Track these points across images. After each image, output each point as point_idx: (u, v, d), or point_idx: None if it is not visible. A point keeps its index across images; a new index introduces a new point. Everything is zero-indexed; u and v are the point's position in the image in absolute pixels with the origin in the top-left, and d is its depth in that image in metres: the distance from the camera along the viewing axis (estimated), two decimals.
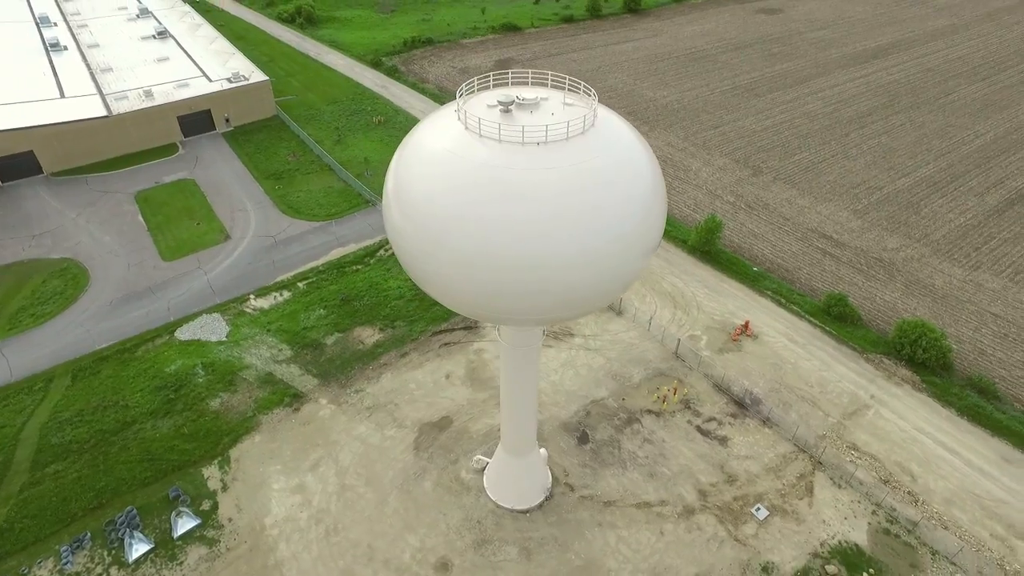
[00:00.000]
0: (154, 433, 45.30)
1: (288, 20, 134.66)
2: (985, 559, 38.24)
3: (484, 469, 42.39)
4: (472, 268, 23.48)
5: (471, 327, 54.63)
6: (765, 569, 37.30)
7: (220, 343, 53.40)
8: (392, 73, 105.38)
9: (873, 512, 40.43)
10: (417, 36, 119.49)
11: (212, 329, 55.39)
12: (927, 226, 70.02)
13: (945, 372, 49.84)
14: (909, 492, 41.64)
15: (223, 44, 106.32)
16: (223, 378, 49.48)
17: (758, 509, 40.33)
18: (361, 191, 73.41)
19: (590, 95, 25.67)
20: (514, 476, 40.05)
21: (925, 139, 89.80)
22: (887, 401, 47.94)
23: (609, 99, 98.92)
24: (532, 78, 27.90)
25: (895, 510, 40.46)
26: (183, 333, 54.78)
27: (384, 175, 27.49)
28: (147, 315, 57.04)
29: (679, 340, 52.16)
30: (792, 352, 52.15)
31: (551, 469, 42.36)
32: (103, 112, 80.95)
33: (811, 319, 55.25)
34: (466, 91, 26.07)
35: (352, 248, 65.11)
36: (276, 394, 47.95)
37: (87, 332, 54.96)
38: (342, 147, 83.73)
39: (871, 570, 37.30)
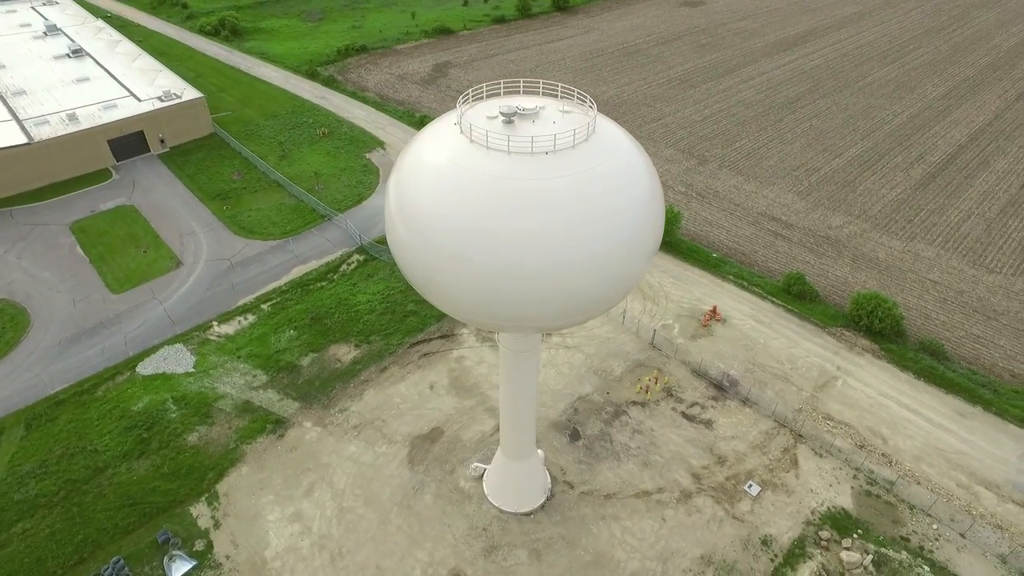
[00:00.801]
0: (131, 476, 43.14)
1: (212, 33, 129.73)
2: (955, 507, 41.17)
3: (482, 476, 42.45)
4: (489, 280, 23.57)
5: (448, 335, 54.47)
6: (765, 542, 38.96)
7: (188, 375, 51.27)
8: (330, 83, 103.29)
9: (854, 476, 42.85)
10: (351, 44, 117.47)
11: (177, 361, 53.12)
12: (864, 203, 74.32)
13: (899, 339, 53.20)
14: (883, 454, 44.33)
15: (147, 61, 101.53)
16: (198, 411, 47.57)
17: (750, 486, 42.03)
18: (315, 206, 71.78)
19: (585, 101, 26.15)
20: (515, 480, 40.29)
21: (851, 120, 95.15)
22: (852, 371, 50.79)
23: None
24: (523, 87, 28.12)
25: (873, 472, 43.01)
26: (145, 367, 52.32)
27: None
28: (103, 352, 54.14)
29: (654, 330, 53.60)
30: (760, 332, 54.46)
31: (548, 469, 42.80)
32: (22, 139, 76.04)
33: (773, 299, 57.82)
34: (463, 102, 26.10)
35: (314, 265, 63.65)
36: (257, 422, 46.48)
37: (36, 376, 51.71)
38: (288, 162, 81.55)
39: (859, 531, 39.55)
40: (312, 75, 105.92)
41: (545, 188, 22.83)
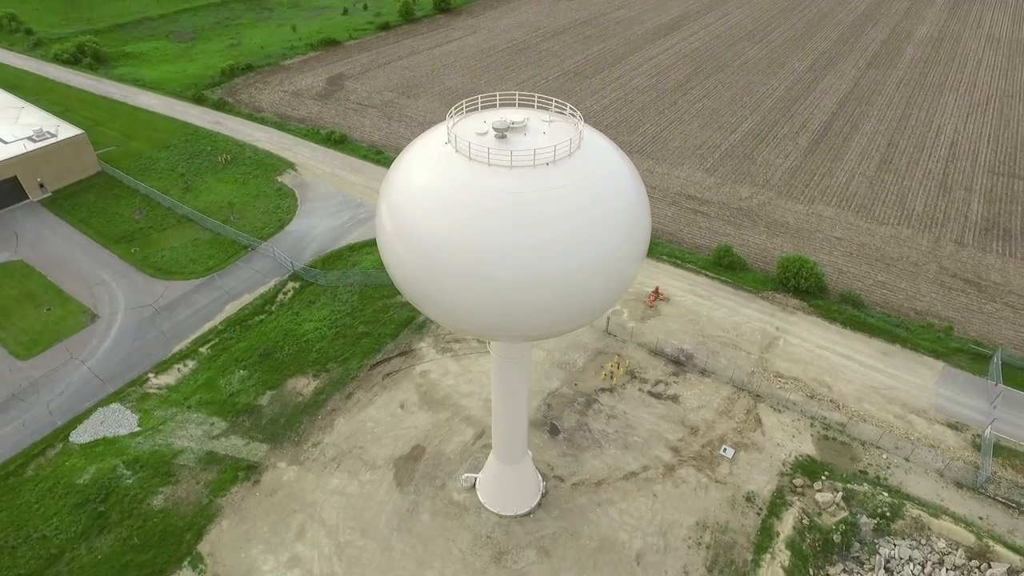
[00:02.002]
0: (95, 556, 39.65)
1: (71, 61, 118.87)
2: (896, 436, 46.11)
3: (474, 485, 42.62)
4: (493, 294, 23.89)
5: (406, 352, 53.86)
6: (748, 499, 41.89)
7: (134, 435, 47.61)
8: (221, 106, 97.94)
9: (811, 425, 46.86)
10: (234, 64, 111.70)
11: (117, 422, 49.15)
12: (765, 173, 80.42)
13: (823, 294, 58.41)
14: (831, 400, 48.74)
15: (5, 98, 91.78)
16: (157, 471, 44.35)
17: (725, 450, 44.93)
18: (235, 237, 68.24)
19: (566, 109, 27.00)
20: (511, 483, 40.78)
21: (737, 97, 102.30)
22: (789, 329, 55.25)
23: (455, 100, 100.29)
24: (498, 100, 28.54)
25: (826, 418, 47.23)
26: (81, 435, 48.03)
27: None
28: (24, 426, 49.10)
29: (607, 318, 55.65)
30: (702, 305, 57.91)
31: (536, 467, 43.61)
32: None
33: (707, 273, 61.61)
34: (455, 117, 26.23)
35: (248, 299, 60.67)
36: (227, 472, 44.03)
37: None
38: (194, 194, 76.83)
39: (826, 473, 43.40)
40: (200, 99, 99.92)
41: (551, 198, 23.48)
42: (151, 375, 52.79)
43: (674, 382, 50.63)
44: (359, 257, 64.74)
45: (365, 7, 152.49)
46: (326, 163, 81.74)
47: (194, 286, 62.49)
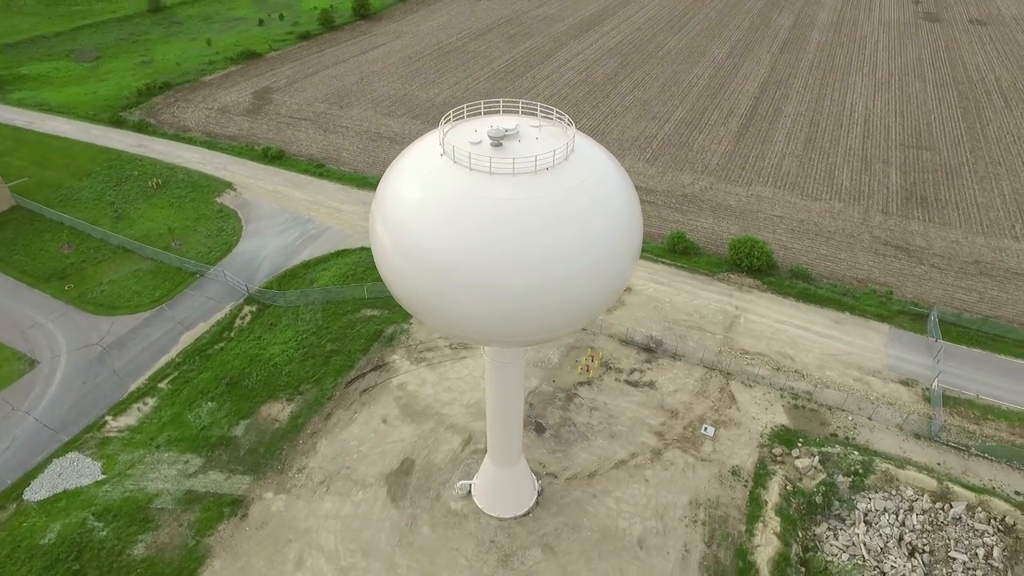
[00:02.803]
0: None
1: None
2: (858, 398, 49.24)
3: (470, 492, 42.62)
4: (507, 301, 24.14)
5: (379, 366, 53.10)
6: (734, 473, 43.77)
7: (100, 483, 44.95)
8: (143, 128, 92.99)
9: (781, 396, 49.37)
10: (151, 83, 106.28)
11: (78, 472, 46.27)
12: (702, 159, 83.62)
13: (774, 271, 61.46)
14: (795, 371, 51.48)
15: None
16: (133, 519, 42.02)
17: (706, 429, 46.71)
18: (180, 264, 65.19)
19: (552, 113, 27.45)
20: (508, 485, 41.04)
21: (665, 87, 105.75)
22: (747, 307, 57.88)
23: (389, 107, 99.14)
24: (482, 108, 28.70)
25: (793, 388, 49.87)
26: (36, 492, 44.96)
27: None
28: None
29: None
30: (663, 292, 59.81)
31: (529, 466, 44.02)
32: None
33: (664, 260, 63.62)
34: (446, 127, 26.21)
35: (203, 327, 58.18)
36: (211, 510, 42.23)
37: None
38: (128, 223, 72.81)
39: (800, 440, 45.88)
40: (118, 122, 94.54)
41: (556, 202, 23.90)
42: (108, 418, 49.93)
43: (648, 369, 52.13)
44: (316, 274, 63.19)
45: (281, 17, 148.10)
46: (266, 180, 79.17)
47: (143, 319, 59.36)
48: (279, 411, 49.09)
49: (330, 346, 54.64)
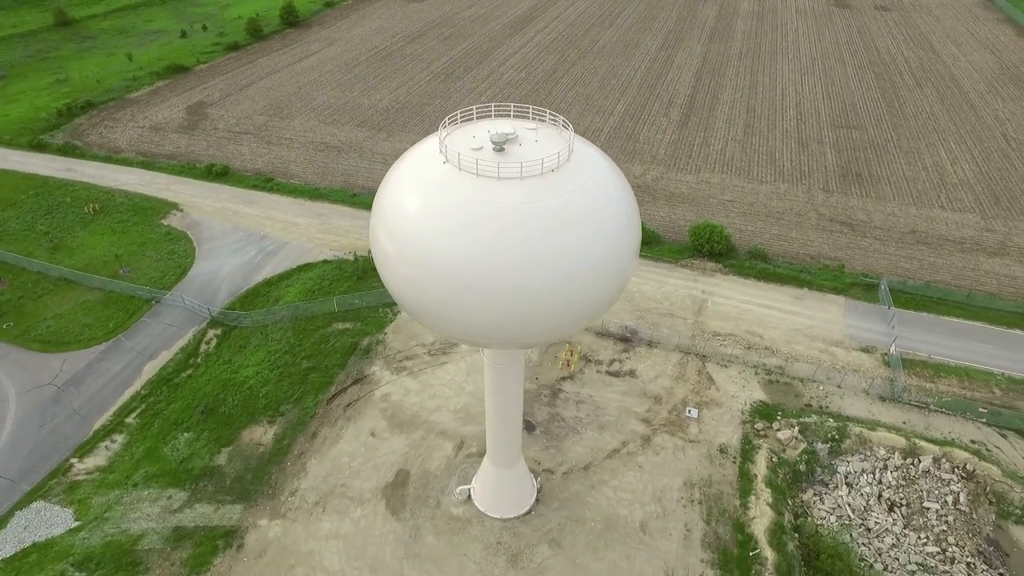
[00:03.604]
0: None
1: None
2: (826, 369, 51.91)
3: (469, 496, 42.64)
4: (522, 303, 24.39)
5: (360, 379, 52.29)
6: (722, 451, 45.44)
7: (75, 531, 42.56)
8: (69, 151, 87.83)
9: (755, 373, 51.50)
10: (71, 102, 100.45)
11: (48, 522, 43.64)
12: (649, 150, 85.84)
13: (733, 254, 63.90)
14: (766, 348, 53.77)
15: None
16: (119, 564, 40.00)
17: (690, 411, 48.25)
18: (133, 292, 62.15)
19: (546, 114, 27.83)
20: (508, 486, 41.28)
21: (606, 81, 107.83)
22: (713, 291, 59.98)
23: (332, 116, 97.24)
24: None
25: (766, 364, 52.10)
26: (2, 548, 42.17)
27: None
28: None
29: None
30: (632, 282, 61.16)
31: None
32: None
33: None
34: (439, 135, 26.18)
35: (167, 355, 55.77)
36: (203, 544, 40.65)
37: None
38: (67, 253, 68.79)
39: (779, 413, 48.05)
40: (40, 146, 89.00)
41: (564, 203, 24.30)
42: (74, 460, 47.30)
43: (627, 358, 53.34)
44: (280, 291, 61.51)
45: (204, 28, 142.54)
46: (213, 198, 76.34)
47: (99, 353, 56.35)
48: (262, 435, 47.66)
49: (306, 363, 53.39)
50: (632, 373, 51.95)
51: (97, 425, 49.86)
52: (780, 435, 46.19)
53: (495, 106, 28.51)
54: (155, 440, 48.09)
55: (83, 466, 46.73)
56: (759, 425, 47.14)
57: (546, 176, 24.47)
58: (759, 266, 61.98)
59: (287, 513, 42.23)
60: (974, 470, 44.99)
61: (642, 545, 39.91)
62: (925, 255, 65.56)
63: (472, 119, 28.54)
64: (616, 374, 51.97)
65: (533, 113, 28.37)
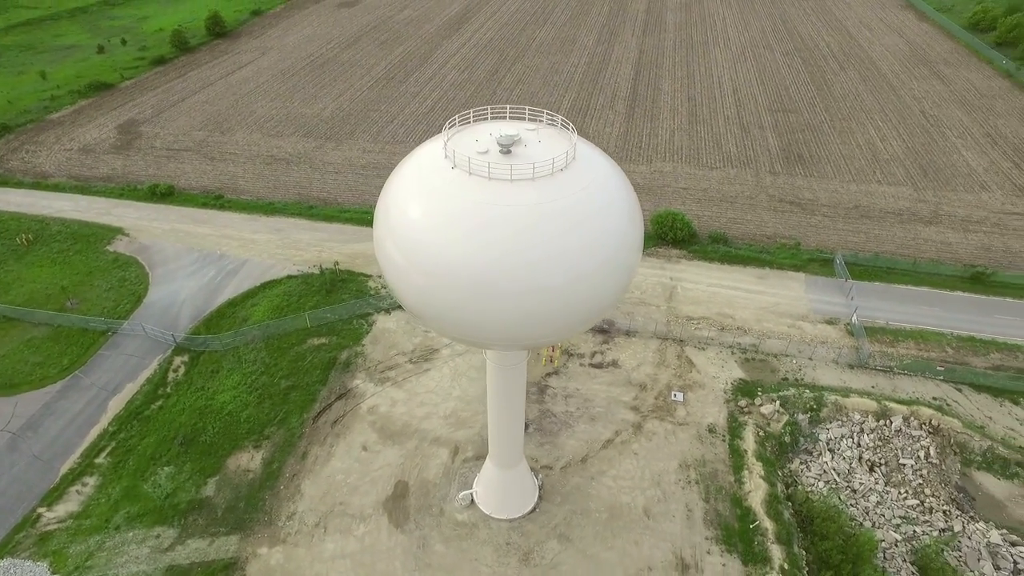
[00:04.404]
0: None
1: None
2: (796, 343, 54.27)
3: (472, 501, 42.54)
4: (540, 304, 24.59)
5: (344, 394, 51.23)
6: (711, 430, 46.91)
7: None
8: None
9: (732, 353, 53.35)
10: None
11: None
12: (601, 143, 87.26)
13: (695, 240, 65.85)
14: (738, 328, 55.75)
15: None
16: None
17: (675, 395, 49.57)
18: (84, 324, 58.77)
19: (543, 114, 28.08)
20: (512, 486, 41.41)
21: (548, 78, 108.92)
22: (681, 277, 61.69)
23: (275, 127, 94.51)
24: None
25: (740, 344, 54.02)
26: None
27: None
28: None
29: None
30: None
31: None
32: None
33: None
34: (439, 141, 26.03)
35: (132, 388, 53.08)
36: None
37: None
38: (2, 288, 64.37)
39: (759, 389, 49.96)
40: None
41: (576, 201, 24.61)
42: (42, 510, 44.46)
43: (607, 349, 54.26)
44: (247, 311, 59.49)
45: (124, 42, 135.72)
46: (161, 220, 72.98)
47: (55, 392, 53.08)
48: (249, 460, 46.07)
49: (285, 383, 51.89)
50: (615, 363, 52.90)
51: (64, 469, 46.98)
52: (763, 410, 48.05)
53: (490, 108, 28.49)
54: (132, 478, 45.76)
55: (53, 515, 43.97)
56: (742, 402, 48.90)
57: (556, 176, 24.71)
58: (721, 250, 64.13)
59: (287, 538, 41.02)
60: (939, 425, 48.06)
61: (648, 530, 40.81)
62: (870, 228, 69.38)
63: (469, 122, 28.46)
64: (599, 366, 52.80)
65: (529, 114, 28.52)
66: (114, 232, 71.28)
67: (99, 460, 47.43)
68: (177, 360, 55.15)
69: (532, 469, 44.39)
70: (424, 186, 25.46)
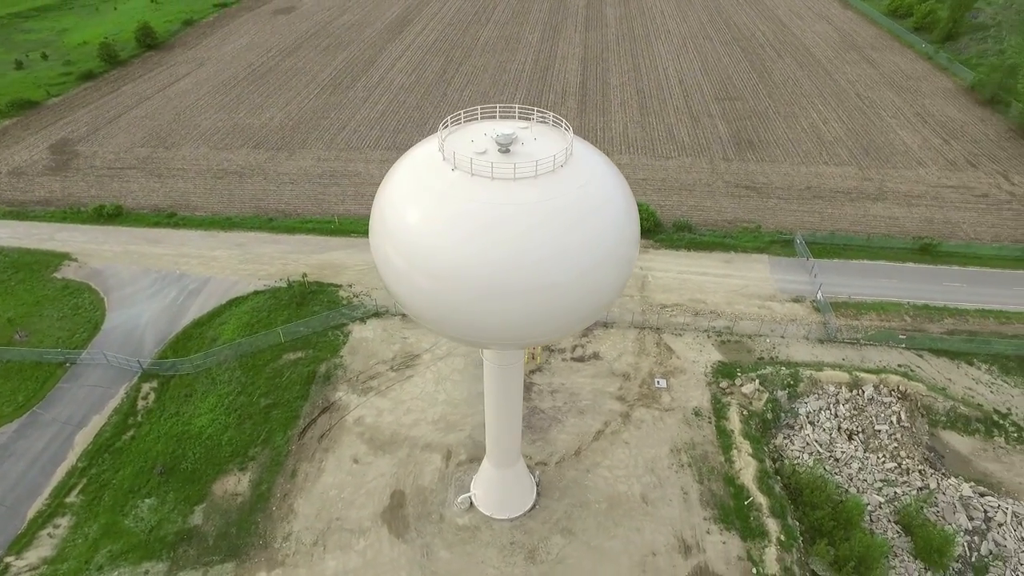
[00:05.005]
0: None
1: None
2: (768, 323, 56.11)
3: (471, 504, 42.35)
4: (546, 301, 24.73)
5: (327, 408, 50.13)
6: (696, 413, 48.05)
7: None
8: None
9: (708, 336, 54.72)
10: None
11: None
12: None
13: (660, 229, 67.16)
14: (711, 312, 57.23)
15: None
16: None
17: (658, 382, 50.52)
18: (39, 357, 55.63)
19: (533, 112, 28.16)
20: (511, 485, 41.41)
21: (497, 77, 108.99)
22: (650, 266, 62.83)
23: (223, 140, 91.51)
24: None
25: (715, 327, 55.49)
26: None
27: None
28: None
29: None
30: None
31: None
32: None
33: None
34: (436, 143, 25.82)
35: (99, 420, 50.55)
36: None
37: None
38: None
39: (738, 370, 51.43)
40: None
41: (580, 196, 24.87)
42: (11, 559, 41.89)
43: (587, 343, 54.83)
44: (215, 330, 57.46)
45: (45, 57, 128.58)
46: (111, 243, 69.64)
47: (12, 431, 50.08)
48: (236, 484, 44.57)
49: (264, 401, 50.41)
50: (596, 355, 53.50)
51: (31, 513, 44.35)
52: (744, 390, 49.49)
53: (480, 108, 28.37)
54: (111, 514, 43.63)
55: (23, 562, 41.50)
56: (723, 384, 50.22)
57: (557, 172, 24.83)
58: (687, 237, 65.65)
59: (285, 560, 39.91)
60: (906, 390, 50.57)
61: (647, 516, 41.50)
62: (823, 207, 72.29)
63: (460, 123, 28.27)
64: (581, 359, 53.31)
65: (519, 113, 28.54)
66: (60, 258, 67.61)
67: (70, 499, 45.01)
68: (145, 387, 52.83)
69: (528, 466, 44.45)
70: (425, 190, 25.19)
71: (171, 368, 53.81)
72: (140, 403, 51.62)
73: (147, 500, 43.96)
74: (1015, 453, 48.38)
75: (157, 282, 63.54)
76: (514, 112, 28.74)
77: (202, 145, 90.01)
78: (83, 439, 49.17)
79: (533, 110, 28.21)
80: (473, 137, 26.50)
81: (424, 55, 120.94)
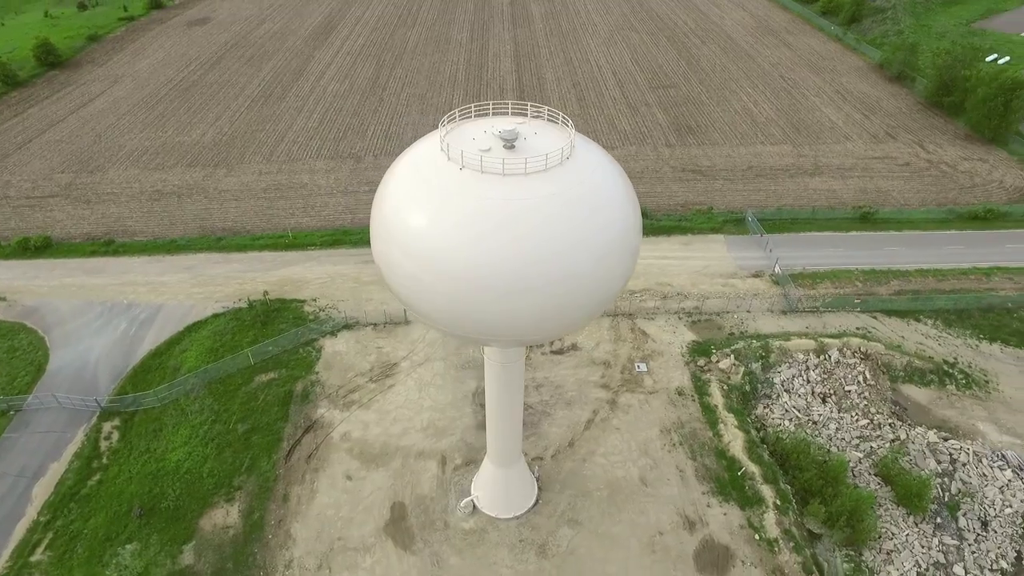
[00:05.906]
0: None
1: None
2: (733, 300, 58.15)
3: (475, 507, 42.00)
4: (531, 303, 24.58)
5: (310, 427, 48.50)
6: (679, 393, 49.33)
7: None
8: None
9: (679, 318, 56.22)
10: None
11: None
12: None
13: None
14: (678, 294, 58.82)
15: None
16: None
17: (639, 367, 51.53)
18: None
19: (528, 107, 28.17)
20: (514, 484, 41.31)
21: (432, 78, 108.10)
22: None
23: (154, 159, 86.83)
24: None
25: (684, 308, 57.08)
26: None
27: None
28: None
29: None
30: None
31: None
32: None
33: None
34: (443, 141, 25.44)
35: (58, 467, 47.07)
36: None
37: None
38: None
39: (713, 348, 53.08)
40: None
41: (592, 188, 25.20)
42: None
43: (565, 335, 55.22)
44: (176, 359, 54.52)
45: None
46: (43, 277, 64.87)
47: None
48: (224, 516, 42.50)
49: (242, 427, 48.27)
50: (574, 347, 54.03)
51: None
52: (721, 365, 51.15)
53: (475, 105, 28.12)
54: (88, 567, 40.76)
55: None
56: (701, 362, 51.74)
57: (564, 165, 24.94)
58: (645, 223, 65.90)
59: None
60: (867, 351, 53.54)
61: (649, 497, 42.32)
62: (767, 185, 75.51)
63: (456, 123, 27.96)
64: (560, 351, 53.71)
65: (512, 108, 28.44)
66: None
67: (36, 557, 41.72)
68: (107, 426, 49.59)
69: (526, 463, 44.44)
70: (433, 190, 24.78)
71: (133, 403, 50.72)
72: (103, 444, 48.42)
73: (128, 546, 41.30)
74: (965, 398, 52.06)
75: (103, 314, 59.66)
76: (507, 108, 28.57)
77: (131, 167, 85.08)
78: (42, 490, 45.66)
79: (528, 104, 28.16)
80: (474, 135, 26.27)
81: (354, 61, 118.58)
